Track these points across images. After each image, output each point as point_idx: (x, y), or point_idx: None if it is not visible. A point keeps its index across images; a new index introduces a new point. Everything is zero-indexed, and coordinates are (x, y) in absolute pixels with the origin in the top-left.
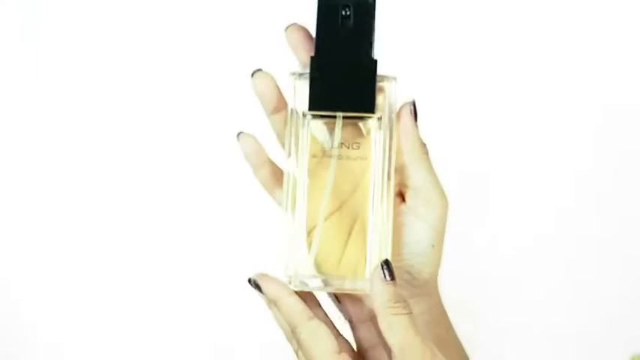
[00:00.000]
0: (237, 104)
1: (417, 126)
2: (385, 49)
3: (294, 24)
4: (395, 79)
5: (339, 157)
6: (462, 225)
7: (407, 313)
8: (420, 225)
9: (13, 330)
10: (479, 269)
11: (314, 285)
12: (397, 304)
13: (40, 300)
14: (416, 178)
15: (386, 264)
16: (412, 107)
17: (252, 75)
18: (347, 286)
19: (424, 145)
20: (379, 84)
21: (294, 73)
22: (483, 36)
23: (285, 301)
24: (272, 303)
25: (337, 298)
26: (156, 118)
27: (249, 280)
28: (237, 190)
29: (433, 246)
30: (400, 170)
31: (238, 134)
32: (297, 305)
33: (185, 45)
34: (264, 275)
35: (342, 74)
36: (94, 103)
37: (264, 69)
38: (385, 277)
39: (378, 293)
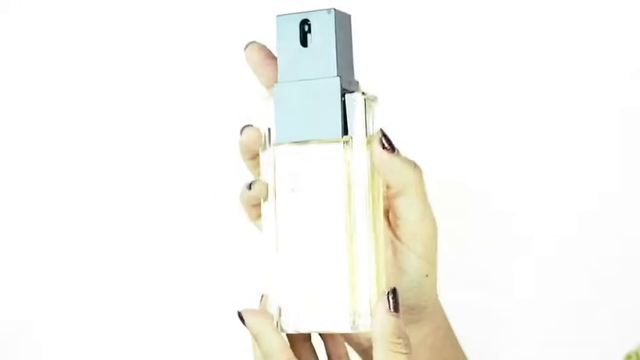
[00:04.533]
0: (236, 104)
1: (394, 155)
2: (370, 65)
3: (253, 43)
4: (372, 97)
5: (316, 188)
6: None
7: (406, 353)
8: (412, 257)
9: (11, 330)
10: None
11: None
12: (399, 341)
13: (38, 301)
14: (403, 209)
15: (393, 293)
16: (381, 138)
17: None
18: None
19: (414, 167)
20: (355, 103)
21: (265, 99)
22: (471, 46)
23: (265, 339)
24: (253, 339)
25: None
26: (155, 120)
27: (238, 313)
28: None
29: (427, 275)
30: (390, 200)
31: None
32: (277, 343)
33: (184, 47)
34: (251, 309)
35: (306, 97)
36: (93, 104)
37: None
38: (390, 307)
39: (379, 323)
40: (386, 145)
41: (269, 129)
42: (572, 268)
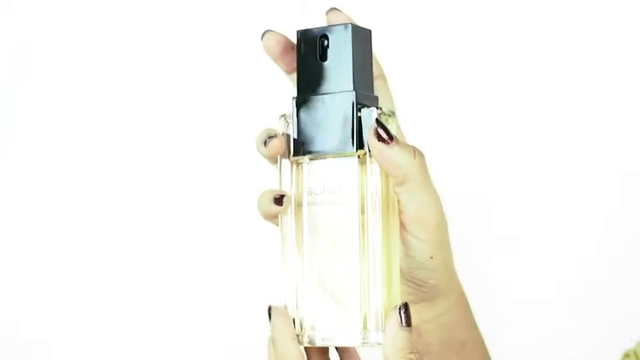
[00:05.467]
0: (236, 103)
1: (391, 146)
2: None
3: (271, 33)
4: (389, 112)
5: (330, 202)
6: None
7: None
8: (414, 241)
9: (9, 331)
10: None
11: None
12: (410, 356)
13: (40, 301)
14: (403, 197)
15: (404, 307)
16: (377, 129)
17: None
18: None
19: (414, 155)
20: (370, 117)
21: (283, 115)
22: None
23: (283, 345)
24: (271, 340)
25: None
26: (155, 120)
27: (269, 307)
28: (241, 189)
29: (431, 258)
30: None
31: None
32: (295, 352)
33: (185, 48)
34: (281, 309)
35: (323, 111)
36: (94, 105)
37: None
38: (402, 322)
39: (391, 337)
40: (383, 135)
41: (287, 135)
42: (571, 268)
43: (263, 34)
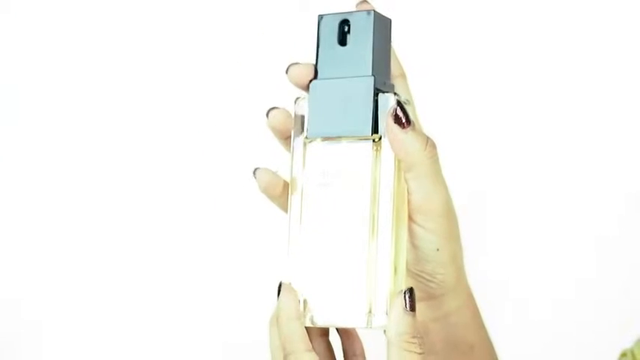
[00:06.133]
0: (237, 102)
1: (407, 130)
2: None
3: (296, 65)
4: (405, 100)
5: (342, 184)
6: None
7: (420, 353)
8: (420, 231)
9: (15, 331)
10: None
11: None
12: (413, 340)
13: (46, 302)
14: (411, 184)
15: (409, 292)
16: (394, 113)
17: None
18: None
19: (426, 145)
20: (387, 103)
21: (298, 98)
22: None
23: (289, 323)
24: (275, 319)
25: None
26: (156, 120)
27: (280, 283)
28: (242, 187)
29: (438, 249)
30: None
31: (255, 170)
32: (299, 331)
33: (185, 47)
34: (290, 287)
35: (340, 95)
36: (94, 105)
37: (279, 106)
38: (406, 306)
39: (394, 321)
40: (401, 118)
41: (302, 117)
42: (567, 268)
43: (288, 68)
